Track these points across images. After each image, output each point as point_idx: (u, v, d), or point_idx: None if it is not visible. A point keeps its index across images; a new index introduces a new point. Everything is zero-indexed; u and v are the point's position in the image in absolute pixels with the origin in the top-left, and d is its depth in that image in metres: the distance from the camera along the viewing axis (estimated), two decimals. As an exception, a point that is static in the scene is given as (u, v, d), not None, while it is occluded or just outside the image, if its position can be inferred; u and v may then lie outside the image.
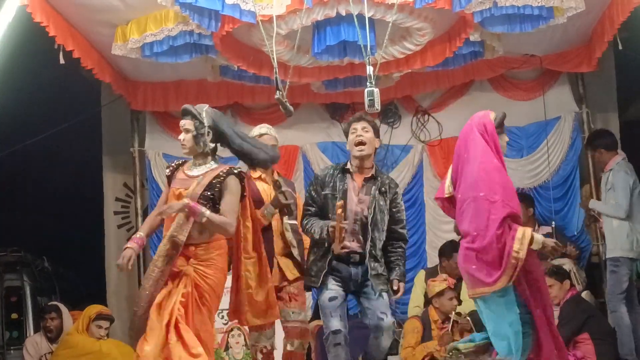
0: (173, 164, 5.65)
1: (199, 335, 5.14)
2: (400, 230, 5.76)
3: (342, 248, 5.51)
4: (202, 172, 5.38)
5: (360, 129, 5.65)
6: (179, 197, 5.32)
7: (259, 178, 6.06)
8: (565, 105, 9.15)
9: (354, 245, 5.59)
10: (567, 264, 7.77)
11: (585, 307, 7.26)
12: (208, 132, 5.37)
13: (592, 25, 8.13)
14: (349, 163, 5.75)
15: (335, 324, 5.43)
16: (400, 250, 5.73)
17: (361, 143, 5.62)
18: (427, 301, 7.72)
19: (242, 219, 5.44)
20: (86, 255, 10.43)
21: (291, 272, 5.97)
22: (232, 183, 5.31)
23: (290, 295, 5.99)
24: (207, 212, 5.17)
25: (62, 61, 7.17)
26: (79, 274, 11.15)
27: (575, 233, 8.86)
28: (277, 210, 5.89)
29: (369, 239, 5.57)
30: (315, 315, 7.40)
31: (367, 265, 5.57)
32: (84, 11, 7.16)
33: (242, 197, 5.42)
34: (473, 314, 6.69)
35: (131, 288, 9.01)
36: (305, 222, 5.71)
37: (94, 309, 7.66)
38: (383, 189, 5.66)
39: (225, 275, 5.41)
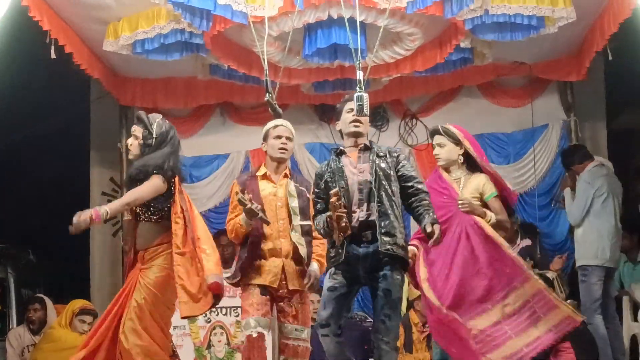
0: None
1: (154, 339, 5.13)
2: (417, 185, 5.33)
3: (345, 231, 5.07)
4: None
5: None
6: None
7: (264, 176, 5.75)
8: (553, 113, 9.20)
9: (362, 214, 5.19)
10: (550, 272, 7.81)
11: (567, 315, 7.27)
12: (155, 142, 5.35)
13: (583, 34, 8.16)
14: (340, 147, 5.49)
15: (324, 315, 5.17)
16: (425, 202, 5.27)
17: (358, 120, 5.36)
18: (409, 305, 7.75)
19: (172, 217, 5.26)
20: (71, 250, 10.39)
21: (291, 283, 5.59)
22: (151, 178, 5.22)
23: (296, 309, 5.62)
24: (104, 207, 5.03)
25: (53, 55, 7.18)
26: (64, 267, 11.12)
27: (562, 240, 8.92)
28: (251, 220, 5.46)
29: (375, 198, 5.17)
30: None
31: (375, 223, 5.15)
32: (76, 7, 7.18)
33: (171, 196, 5.29)
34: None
35: (115, 283, 8.97)
36: (316, 221, 5.37)
37: (77, 304, 7.64)
38: (381, 153, 5.36)
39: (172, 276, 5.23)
